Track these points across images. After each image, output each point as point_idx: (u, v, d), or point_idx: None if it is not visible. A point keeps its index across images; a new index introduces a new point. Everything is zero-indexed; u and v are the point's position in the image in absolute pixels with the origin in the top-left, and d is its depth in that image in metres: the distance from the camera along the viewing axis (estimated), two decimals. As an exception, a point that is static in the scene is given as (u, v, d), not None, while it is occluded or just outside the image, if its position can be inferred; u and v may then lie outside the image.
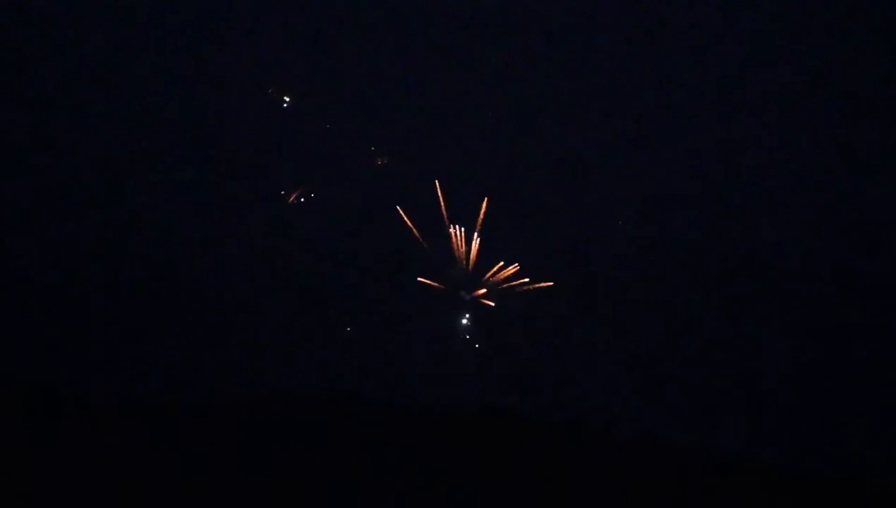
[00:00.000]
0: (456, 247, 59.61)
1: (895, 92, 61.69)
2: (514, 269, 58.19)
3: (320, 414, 45.81)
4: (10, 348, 55.94)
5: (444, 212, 59.62)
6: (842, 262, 59.12)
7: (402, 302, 58.14)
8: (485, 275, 59.10)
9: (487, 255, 59.44)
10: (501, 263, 58.59)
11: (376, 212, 60.18)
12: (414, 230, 59.15)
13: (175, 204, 61.21)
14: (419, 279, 58.05)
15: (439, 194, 59.33)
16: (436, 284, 58.19)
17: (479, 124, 63.28)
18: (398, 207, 59.44)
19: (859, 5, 62.11)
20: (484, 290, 58.52)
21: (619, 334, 57.73)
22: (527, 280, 57.74)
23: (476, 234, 59.15)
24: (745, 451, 47.70)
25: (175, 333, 57.38)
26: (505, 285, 58.42)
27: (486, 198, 59.39)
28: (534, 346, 57.07)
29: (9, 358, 54.48)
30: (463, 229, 59.64)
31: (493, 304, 57.74)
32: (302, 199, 57.84)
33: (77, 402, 46.88)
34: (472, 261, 59.28)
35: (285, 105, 58.71)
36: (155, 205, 60.93)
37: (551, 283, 57.45)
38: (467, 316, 57.98)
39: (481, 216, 59.25)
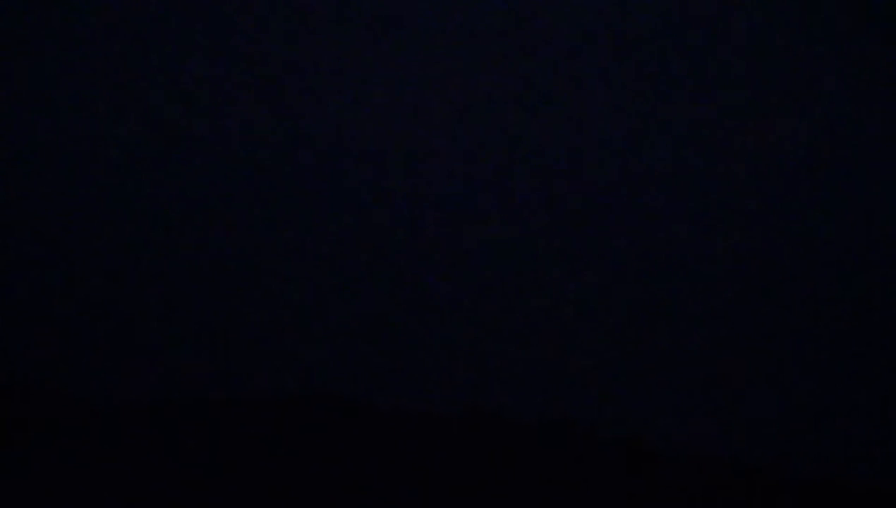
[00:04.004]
0: None
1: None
2: None
3: (304, 416, 45.80)
4: (5, 348, 56.19)
5: None
6: (841, 262, 58.92)
7: (385, 299, 58.07)
8: None
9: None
10: None
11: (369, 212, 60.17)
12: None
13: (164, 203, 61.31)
14: None
15: None
16: None
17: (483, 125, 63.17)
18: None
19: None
20: None
21: (607, 332, 57.68)
22: None
23: None
24: (735, 452, 47.56)
25: (165, 330, 57.54)
26: None
27: None
28: (521, 343, 57.01)
29: (3, 359, 54.71)
30: None
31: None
32: None
33: (67, 403, 47.11)
34: None
35: None
36: (145, 205, 61.03)
37: None
38: None
39: None
